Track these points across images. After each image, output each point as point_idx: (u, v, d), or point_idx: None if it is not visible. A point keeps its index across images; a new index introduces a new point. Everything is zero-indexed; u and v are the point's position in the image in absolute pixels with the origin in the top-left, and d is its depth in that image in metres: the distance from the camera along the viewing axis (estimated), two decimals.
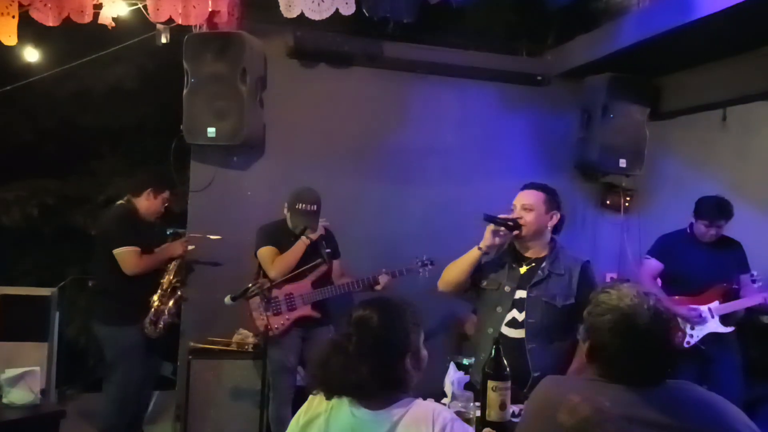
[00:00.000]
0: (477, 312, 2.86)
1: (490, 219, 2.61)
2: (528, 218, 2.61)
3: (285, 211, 3.61)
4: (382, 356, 1.57)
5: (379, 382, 1.56)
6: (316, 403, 1.65)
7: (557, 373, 2.34)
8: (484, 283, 2.70)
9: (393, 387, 1.59)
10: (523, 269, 2.64)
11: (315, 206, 3.52)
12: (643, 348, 1.48)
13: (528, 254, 2.67)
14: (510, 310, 2.60)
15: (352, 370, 1.56)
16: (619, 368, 1.49)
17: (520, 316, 2.58)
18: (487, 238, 2.61)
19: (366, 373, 1.55)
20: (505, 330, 2.59)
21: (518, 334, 2.57)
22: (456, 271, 2.71)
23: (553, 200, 2.67)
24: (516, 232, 2.62)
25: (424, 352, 1.65)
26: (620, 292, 1.52)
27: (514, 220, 2.62)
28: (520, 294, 2.60)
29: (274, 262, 3.51)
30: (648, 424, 1.42)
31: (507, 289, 2.63)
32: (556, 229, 2.70)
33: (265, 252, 3.55)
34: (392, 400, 1.57)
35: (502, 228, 2.61)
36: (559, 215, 2.67)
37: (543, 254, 2.65)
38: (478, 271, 2.70)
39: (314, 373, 1.66)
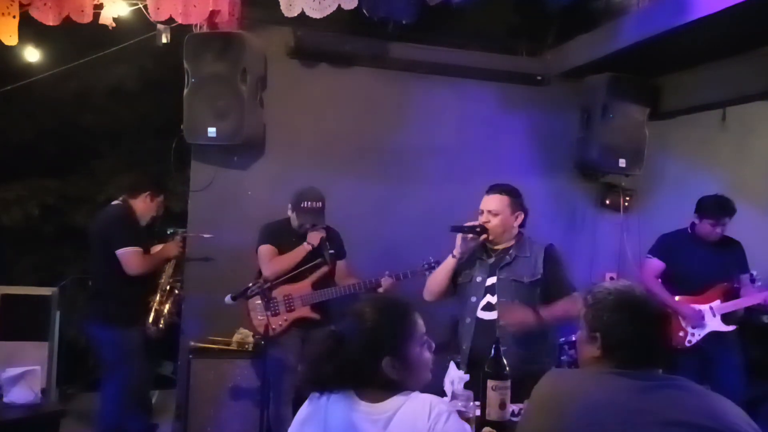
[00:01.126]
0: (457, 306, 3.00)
1: (458, 229, 2.85)
2: (494, 222, 2.83)
3: (289, 212, 3.60)
4: (357, 352, 1.55)
5: (349, 377, 1.56)
6: (316, 398, 1.65)
7: (529, 348, 2.63)
8: (459, 279, 2.92)
9: (375, 385, 1.56)
10: (492, 260, 2.86)
11: (320, 203, 3.53)
12: (646, 318, 1.58)
13: (497, 247, 2.88)
14: (484, 296, 2.82)
15: (323, 364, 1.57)
16: (630, 348, 1.55)
17: (494, 299, 2.79)
18: (459, 246, 2.87)
19: (334, 367, 1.55)
20: (482, 314, 2.81)
21: (493, 315, 2.78)
22: (436, 280, 2.98)
23: (516, 202, 2.87)
24: (484, 237, 2.83)
25: (418, 356, 1.61)
26: (611, 283, 1.66)
27: (481, 226, 2.82)
28: (491, 280, 2.82)
29: (270, 261, 3.50)
30: (650, 420, 1.43)
31: (479, 279, 2.84)
32: (521, 224, 2.90)
33: (264, 250, 3.55)
34: (389, 394, 1.56)
35: (471, 234, 2.82)
36: (523, 214, 2.88)
37: (510, 245, 2.86)
38: (455, 272, 2.93)
39: (302, 366, 1.69)
